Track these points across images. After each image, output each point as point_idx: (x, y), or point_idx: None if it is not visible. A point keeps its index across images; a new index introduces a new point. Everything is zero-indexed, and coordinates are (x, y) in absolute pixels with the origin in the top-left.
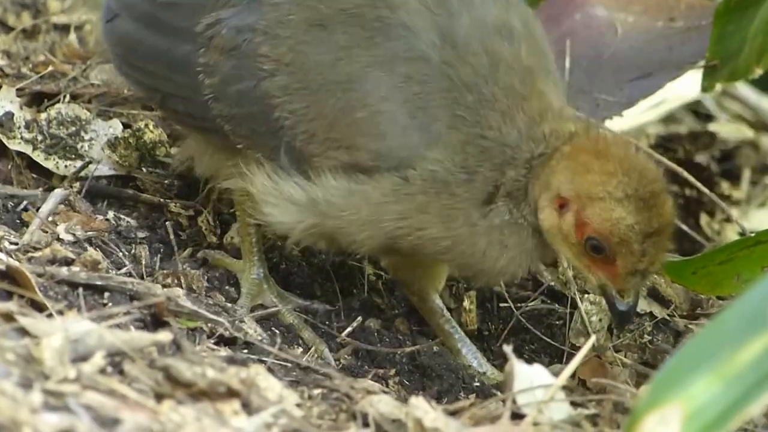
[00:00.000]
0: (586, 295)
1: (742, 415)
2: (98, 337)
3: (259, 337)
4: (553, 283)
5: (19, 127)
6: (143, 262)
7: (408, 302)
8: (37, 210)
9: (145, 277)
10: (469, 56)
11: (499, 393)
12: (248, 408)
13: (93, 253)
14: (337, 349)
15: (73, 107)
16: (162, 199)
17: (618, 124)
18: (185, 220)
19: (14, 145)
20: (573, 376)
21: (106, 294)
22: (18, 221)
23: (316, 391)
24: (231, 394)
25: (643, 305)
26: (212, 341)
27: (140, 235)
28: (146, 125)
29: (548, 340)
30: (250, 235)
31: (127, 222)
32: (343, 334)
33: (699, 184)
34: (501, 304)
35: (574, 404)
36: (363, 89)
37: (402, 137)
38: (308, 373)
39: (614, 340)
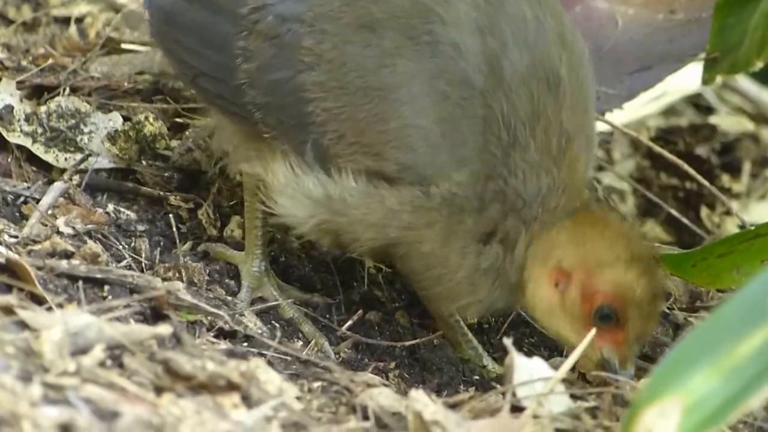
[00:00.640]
0: None
1: (742, 408)
2: (98, 330)
3: (259, 331)
4: None
5: (19, 120)
6: (143, 255)
7: (408, 295)
8: (37, 203)
9: (145, 270)
10: (513, 95)
11: (498, 386)
12: (248, 401)
13: (93, 246)
14: (337, 342)
15: (73, 100)
16: (162, 192)
17: (618, 116)
18: (185, 212)
19: (14, 138)
20: (573, 369)
21: (106, 287)
22: (17, 214)
23: (316, 384)
24: (231, 387)
25: None
26: (212, 334)
27: (140, 228)
28: (146, 118)
29: None
30: (257, 228)
31: (127, 215)
32: (343, 328)
33: (699, 177)
34: None
35: (573, 397)
36: (400, 100)
37: (431, 155)
38: (308, 366)
39: None
